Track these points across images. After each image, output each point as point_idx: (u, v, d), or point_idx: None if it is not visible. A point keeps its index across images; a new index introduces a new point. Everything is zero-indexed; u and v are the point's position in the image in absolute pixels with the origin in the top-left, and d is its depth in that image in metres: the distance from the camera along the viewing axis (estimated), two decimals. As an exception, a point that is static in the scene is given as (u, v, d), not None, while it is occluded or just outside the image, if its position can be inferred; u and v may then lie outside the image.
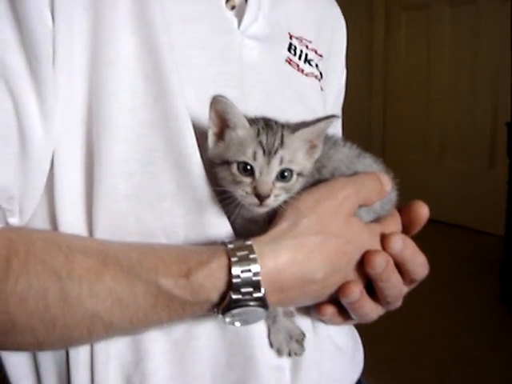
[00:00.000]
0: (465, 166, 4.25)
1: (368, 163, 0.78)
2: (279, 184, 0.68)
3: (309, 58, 0.94)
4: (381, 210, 0.77)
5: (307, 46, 0.94)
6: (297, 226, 0.67)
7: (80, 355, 0.70)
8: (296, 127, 0.71)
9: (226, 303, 0.63)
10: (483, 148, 4.14)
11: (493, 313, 2.99)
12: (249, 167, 0.67)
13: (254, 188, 0.66)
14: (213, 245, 0.68)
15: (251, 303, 0.63)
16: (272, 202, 0.67)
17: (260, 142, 0.67)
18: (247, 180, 0.67)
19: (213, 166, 0.70)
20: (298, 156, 0.70)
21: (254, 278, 0.63)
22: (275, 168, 0.67)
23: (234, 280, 0.62)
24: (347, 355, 0.87)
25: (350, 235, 0.70)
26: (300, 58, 0.92)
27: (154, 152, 0.69)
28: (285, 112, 0.75)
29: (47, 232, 0.70)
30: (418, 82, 4.60)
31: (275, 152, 0.67)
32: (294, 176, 0.69)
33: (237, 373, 0.72)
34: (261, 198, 0.66)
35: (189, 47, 0.75)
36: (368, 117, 5.05)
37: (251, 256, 0.63)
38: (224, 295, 0.63)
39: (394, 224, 0.77)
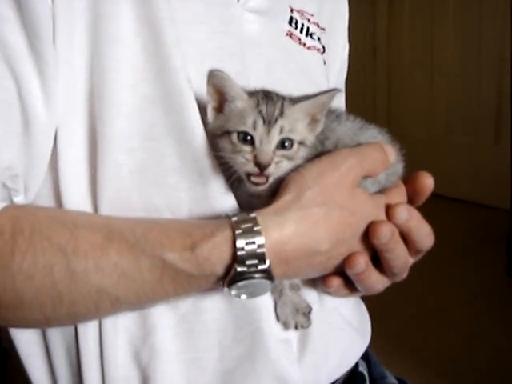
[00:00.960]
0: (470, 141, 4.22)
1: (372, 134, 0.78)
2: (280, 152, 0.68)
3: (310, 31, 0.93)
4: (386, 181, 0.76)
5: (309, 20, 0.94)
6: (300, 198, 0.67)
7: (89, 331, 0.70)
8: (297, 99, 0.71)
9: (232, 276, 0.63)
10: (488, 123, 4.11)
11: (500, 286, 2.99)
12: (249, 137, 0.67)
13: (255, 157, 0.66)
14: (217, 218, 0.68)
15: (256, 275, 0.63)
16: (273, 170, 0.67)
17: (260, 112, 0.67)
18: (247, 148, 0.67)
19: (214, 139, 0.70)
20: (298, 126, 0.70)
21: (258, 250, 0.63)
22: (275, 137, 0.67)
23: (239, 252, 0.62)
24: (354, 327, 0.87)
25: (354, 206, 0.69)
26: (301, 32, 0.91)
27: (156, 127, 0.70)
28: (287, 86, 0.75)
29: (52, 209, 0.70)
30: (422, 58, 4.56)
31: (275, 121, 0.67)
32: (295, 145, 0.69)
33: (244, 346, 0.72)
34: (261, 166, 0.66)
35: (188, 22, 0.75)
36: (372, 94, 5.03)
37: (255, 228, 0.63)
38: (229, 268, 0.63)
39: (399, 195, 0.76)
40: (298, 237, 0.66)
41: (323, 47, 0.95)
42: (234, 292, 0.65)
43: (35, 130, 0.66)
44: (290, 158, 0.68)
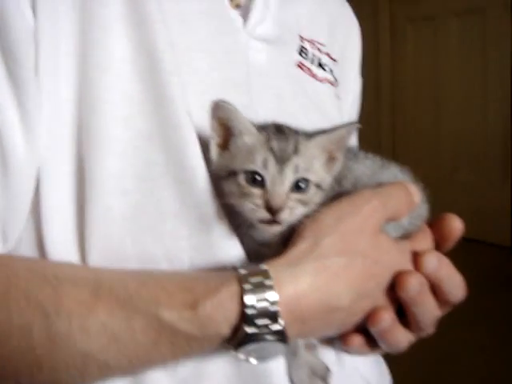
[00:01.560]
0: (477, 180, 4.17)
1: (393, 173, 0.71)
2: (294, 195, 0.60)
3: (322, 62, 0.87)
4: (410, 225, 0.69)
5: (320, 50, 0.88)
6: (318, 247, 0.59)
7: None
8: (312, 134, 0.64)
9: (240, 338, 0.55)
10: (496, 161, 4.07)
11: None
12: (259, 177, 0.60)
13: (266, 201, 0.59)
14: (222, 270, 0.60)
15: (268, 337, 0.55)
16: (287, 216, 0.59)
17: (271, 149, 0.60)
18: (257, 192, 0.60)
19: (218, 181, 0.63)
20: (315, 165, 0.63)
21: (270, 309, 0.55)
22: (289, 177, 0.60)
23: (248, 311, 0.54)
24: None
25: (377, 254, 0.62)
26: (312, 63, 0.86)
27: (153, 166, 0.62)
28: (299, 120, 0.69)
29: (32, 260, 0.62)
30: (427, 96, 4.54)
31: (289, 159, 0.60)
32: (312, 187, 0.62)
33: None
34: (273, 211, 0.59)
35: (189, 49, 0.68)
36: (377, 132, 5.01)
37: (267, 282, 0.55)
38: (236, 328, 0.55)
39: (426, 240, 0.69)
40: (316, 291, 0.58)
41: (335, 79, 0.89)
42: (241, 356, 0.56)
43: (14, 168, 0.59)
44: (305, 203, 0.61)
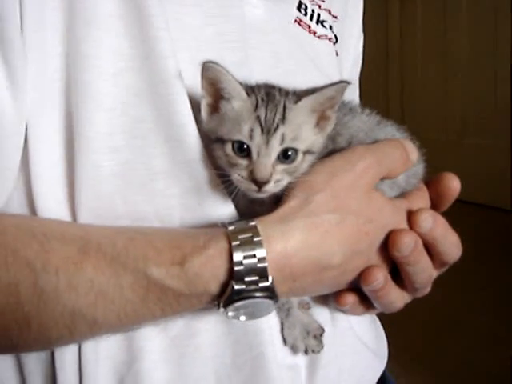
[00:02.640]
0: (486, 143, 4.11)
1: (390, 131, 0.69)
2: (281, 166, 0.59)
3: (321, 18, 0.84)
4: (406, 184, 0.68)
5: (319, 6, 0.85)
6: (309, 204, 0.58)
7: (66, 356, 0.62)
8: (302, 94, 0.61)
9: (228, 295, 0.54)
10: (504, 124, 3.99)
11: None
12: (245, 147, 0.58)
13: (251, 172, 0.58)
14: (211, 227, 0.59)
15: (257, 294, 0.54)
16: (272, 188, 0.58)
17: (258, 118, 0.59)
18: (243, 162, 0.59)
19: (208, 141, 0.61)
20: (304, 131, 0.61)
21: (259, 265, 0.54)
22: (275, 148, 0.59)
23: (236, 267, 0.54)
24: (370, 349, 0.78)
25: (371, 212, 0.61)
26: (312, 19, 0.83)
27: (143, 123, 0.61)
28: (296, 78, 0.67)
29: (20, 217, 0.61)
30: (435, 58, 4.46)
31: (275, 129, 0.58)
32: (300, 155, 0.60)
33: (244, 374, 0.63)
34: (258, 183, 0.57)
35: (181, 4, 0.66)
36: (385, 95, 4.96)
37: (256, 239, 0.54)
38: (225, 285, 0.54)
39: (422, 199, 0.68)
40: (307, 249, 0.57)
41: (335, 37, 0.86)
42: (231, 313, 0.56)
43: (1, 125, 0.57)
44: (292, 172, 0.60)
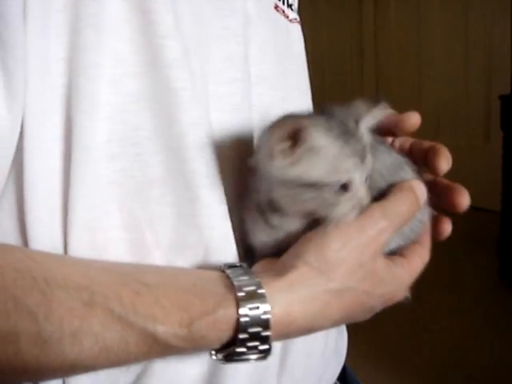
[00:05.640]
0: (460, 142, 4.16)
1: (406, 176, 0.66)
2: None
3: (290, 2, 0.81)
4: (410, 232, 0.65)
5: None
6: (321, 276, 0.57)
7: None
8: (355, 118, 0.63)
9: (227, 353, 0.56)
10: (478, 123, 4.07)
11: (493, 290, 2.94)
12: (347, 183, 0.57)
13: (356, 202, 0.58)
14: (213, 270, 0.60)
15: (254, 356, 0.56)
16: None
17: (354, 151, 0.57)
18: (347, 197, 0.58)
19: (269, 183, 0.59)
20: None
21: (263, 334, 0.55)
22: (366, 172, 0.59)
23: (241, 336, 0.54)
24: (330, 347, 0.80)
25: (371, 284, 0.60)
26: (284, 3, 0.80)
27: (140, 130, 0.60)
28: (278, 72, 0.69)
29: (17, 253, 0.56)
30: (409, 59, 4.51)
31: (365, 155, 0.58)
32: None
33: None
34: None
35: (190, 1, 0.63)
36: (361, 95, 4.95)
37: (262, 310, 0.55)
38: (227, 346, 0.55)
39: (421, 258, 0.66)
40: (305, 318, 0.57)
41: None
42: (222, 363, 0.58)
43: None
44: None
